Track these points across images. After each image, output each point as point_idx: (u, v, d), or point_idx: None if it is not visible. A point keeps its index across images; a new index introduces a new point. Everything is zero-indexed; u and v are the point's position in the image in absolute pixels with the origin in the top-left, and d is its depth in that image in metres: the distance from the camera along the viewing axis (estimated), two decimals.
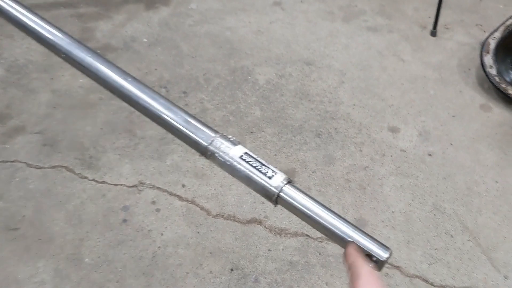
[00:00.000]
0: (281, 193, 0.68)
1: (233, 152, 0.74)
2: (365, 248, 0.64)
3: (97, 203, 1.81)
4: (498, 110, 2.46)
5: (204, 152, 0.77)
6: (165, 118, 0.82)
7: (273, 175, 0.70)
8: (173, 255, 1.70)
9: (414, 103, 2.44)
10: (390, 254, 0.64)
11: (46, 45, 0.95)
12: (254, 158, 0.72)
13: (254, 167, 0.71)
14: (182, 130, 0.80)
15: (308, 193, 0.68)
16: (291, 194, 0.69)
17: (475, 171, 2.14)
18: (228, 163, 0.73)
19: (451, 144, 2.25)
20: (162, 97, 0.85)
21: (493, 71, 2.48)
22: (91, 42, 2.49)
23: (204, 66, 2.48)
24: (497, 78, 2.46)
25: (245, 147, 0.73)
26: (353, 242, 0.64)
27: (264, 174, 0.71)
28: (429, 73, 2.63)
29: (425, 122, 2.34)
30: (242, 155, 0.73)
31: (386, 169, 2.10)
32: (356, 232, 0.65)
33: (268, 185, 0.69)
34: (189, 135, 0.79)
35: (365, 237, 0.65)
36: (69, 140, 2.03)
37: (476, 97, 2.53)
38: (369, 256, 0.63)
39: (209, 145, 0.76)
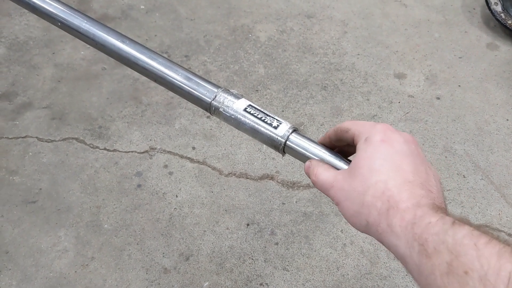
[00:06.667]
0: (287, 142, 0.69)
1: (237, 105, 0.74)
2: None
3: (111, 171, 1.84)
4: (505, 48, 2.42)
5: (208, 108, 0.77)
6: (166, 77, 0.82)
7: (278, 125, 0.70)
8: (189, 215, 1.73)
9: (419, 48, 2.41)
10: None
11: (42, 15, 0.94)
12: (259, 110, 0.72)
13: (259, 119, 0.72)
14: (184, 88, 0.80)
15: (315, 139, 0.68)
16: (298, 142, 0.69)
17: (485, 111, 2.13)
18: (233, 116, 0.73)
19: (459, 85, 2.23)
20: (161, 56, 0.85)
21: (498, 8, 2.42)
22: (88, 14, 2.45)
23: (203, 28, 2.46)
24: (503, 15, 2.41)
25: (249, 99, 0.73)
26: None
27: (270, 124, 0.71)
28: (432, 16, 2.58)
29: (432, 66, 2.32)
30: (246, 108, 0.73)
31: (394, 116, 2.09)
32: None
33: (274, 135, 0.70)
34: (192, 92, 0.79)
35: None
36: (77, 112, 2.04)
37: (482, 36, 2.48)
38: None
39: (212, 100, 0.76)
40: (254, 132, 0.72)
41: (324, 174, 0.62)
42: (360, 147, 0.59)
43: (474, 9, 2.63)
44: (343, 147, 0.68)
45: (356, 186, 0.56)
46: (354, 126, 0.62)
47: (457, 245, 0.44)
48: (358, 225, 0.57)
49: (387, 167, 0.55)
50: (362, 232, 0.57)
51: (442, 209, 0.50)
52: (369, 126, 0.60)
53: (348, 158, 0.67)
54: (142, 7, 2.58)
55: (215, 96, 0.76)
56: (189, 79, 0.80)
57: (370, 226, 0.54)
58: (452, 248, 0.44)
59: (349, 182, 0.57)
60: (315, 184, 0.64)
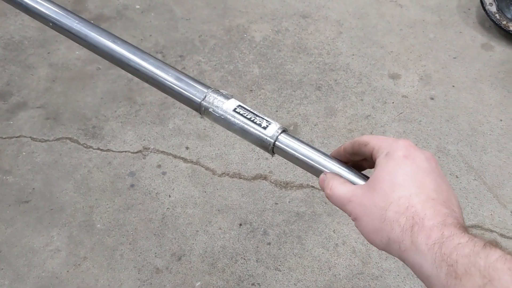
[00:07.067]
0: (276, 142, 0.69)
1: (226, 106, 0.74)
2: None
3: (104, 171, 1.84)
4: (500, 49, 2.43)
5: (198, 108, 0.77)
6: (157, 77, 0.82)
7: (267, 125, 0.71)
8: (182, 215, 1.73)
9: (414, 48, 2.41)
10: None
11: (34, 15, 0.95)
12: (248, 110, 0.73)
13: (249, 119, 0.72)
14: (175, 88, 0.80)
15: (304, 140, 0.68)
16: (287, 142, 0.69)
17: (479, 111, 2.13)
18: (223, 117, 0.74)
19: (453, 86, 2.23)
20: (152, 57, 0.85)
21: (493, 9, 2.42)
22: (83, 14, 2.47)
23: (199, 28, 2.46)
24: (497, 16, 2.41)
25: (239, 100, 0.73)
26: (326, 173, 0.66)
27: (259, 125, 0.71)
28: (428, 17, 2.58)
29: (426, 66, 2.32)
30: (235, 108, 0.73)
31: (388, 116, 2.09)
32: (356, 176, 0.65)
33: (263, 135, 0.70)
34: (182, 92, 0.79)
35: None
36: (71, 112, 2.04)
37: (477, 37, 2.49)
38: None
39: (202, 100, 0.76)
40: (243, 133, 0.72)
41: (340, 188, 0.61)
42: (380, 161, 0.58)
43: (469, 9, 2.64)
44: (357, 162, 0.67)
45: (377, 201, 0.55)
46: (373, 140, 0.61)
47: (490, 269, 0.43)
48: (378, 241, 0.55)
49: (410, 183, 0.54)
50: (381, 249, 0.55)
51: (467, 229, 0.49)
52: (390, 141, 0.60)
53: (362, 172, 0.66)
54: (137, 7, 2.58)
55: (205, 97, 0.76)
56: (179, 79, 0.80)
57: (392, 243, 0.52)
58: (485, 271, 0.43)
59: (369, 197, 0.56)
60: (329, 198, 0.62)
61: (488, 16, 2.43)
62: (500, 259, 0.43)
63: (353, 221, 0.58)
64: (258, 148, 1.93)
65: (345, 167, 0.65)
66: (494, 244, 0.45)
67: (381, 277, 1.60)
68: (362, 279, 1.60)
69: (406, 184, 0.54)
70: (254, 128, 0.71)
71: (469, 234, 0.48)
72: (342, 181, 0.62)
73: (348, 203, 0.59)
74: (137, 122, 2.02)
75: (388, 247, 0.54)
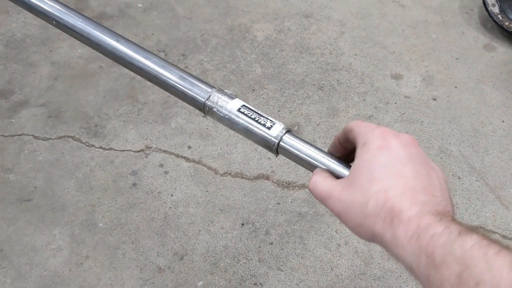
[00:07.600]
0: (281, 143, 0.69)
1: (230, 106, 0.74)
2: None
3: (106, 170, 1.84)
4: (502, 49, 2.42)
5: (202, 108, 0.77)
6: (160, 77, 0.82)
7: (272, 125, 0.70)
8: (184, 214, 1.73)
9: (416, 49, 2.41)
10: None
11: (37, 13, 0.94)
12: (252, 110, 0.72)
13: (253, 119, 0.72)
14: (179, 88, 0.80)
15: (308, 140, 0.68)
16: (291, 142, 0.69)
17: (481, 112, 2.13)
18: (227, 117, 0.73)
19: (456, 87, 2.23)
20: (156, 56, 0.85)
21: (495, 9, 2.42)
22: (86, 12, 2.47)
23: (201, 27, 2.46)
24: (500, 16, 2.41)
25: (243, 100, 0.73)
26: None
27: (263, 125, 0.71)
28: (430, 17, 2.58)
29: (429, 67, 2.32)
30: (240, 108, 0.73)
31: (390, 117, 2.09)
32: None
33: (267, 136, 0.70)
34: (186, 92, 0.79)
35: None
36: (73, 110, 2.04)
37: (479, 37, 2.48)
38: None
39: (206, 100, 0.76)
40: (247, 133, 0.72)
41: (321, 184, 0.60)
42: (358, 153, 0.58)
43: (471, 10, 2.63)
44: (353, 150, 0.66)
45: (356, 196, 0.55)
46: (357, 128, 0.60)
47: (466, 256, 0.43)
48: (363, 235, 0.55)
49: (386, 176, 0.53)
50: (368, 241, 0.56)
51: (446, 215, 0.49)
52: (368, 130, 0.58)
53: (350, 164, 0.66)
54: (139, 5, 2.57)
55: (209, 96, 0.76)
56: (183, 78, 0.80)
57: (376, 237, 0.53)
58: (461, 259, 0.43)
59: (349, 193, 0.56)
60: (312, 194, 0.61)
61: (491, 17, 2.43)
62: (475, 246, 0.43)
63: (337, 217, 0.58)
64: (260, 148, 1.93)
65: (328, 156, 0.65)
66: (470, 229, 0.45)
67: (383, 277, 1.60)
68: (364, 280, 1.60)
69: (382, 177, 0.53)
70: (258, 128, 0.70)
71: (446, 221, 0.47)
72: (324, 176, 0.61)
73: (329, 199, 0.58)
74: (139, 121, 2.02)
75: (373, 240, 0.54)
